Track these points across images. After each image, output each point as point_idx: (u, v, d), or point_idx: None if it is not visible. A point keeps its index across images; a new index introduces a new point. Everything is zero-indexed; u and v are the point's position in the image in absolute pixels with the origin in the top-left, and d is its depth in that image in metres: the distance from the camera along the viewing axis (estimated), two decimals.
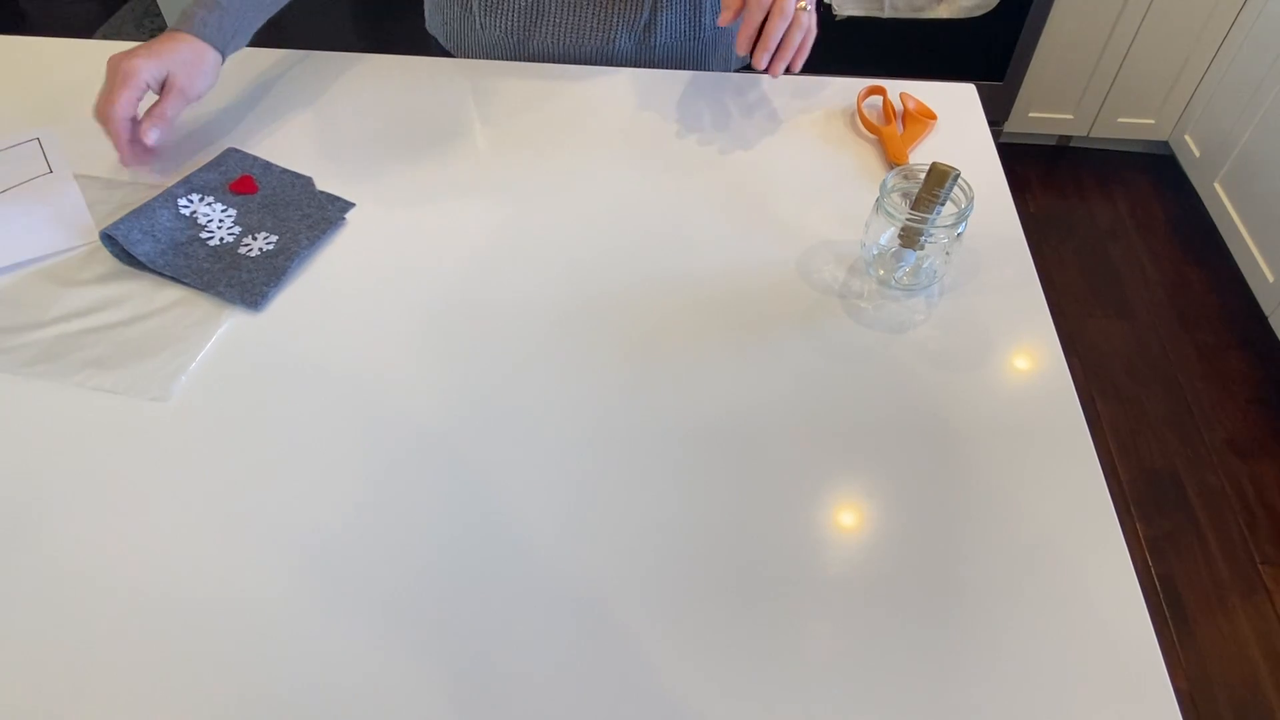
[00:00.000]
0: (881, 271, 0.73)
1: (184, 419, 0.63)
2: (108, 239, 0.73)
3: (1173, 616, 1.43)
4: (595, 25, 0.92)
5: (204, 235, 0.76)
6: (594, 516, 0.57)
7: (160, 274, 0.73)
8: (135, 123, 0.79)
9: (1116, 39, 1.97)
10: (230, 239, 0.76)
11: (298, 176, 0.82)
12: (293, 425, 0.62)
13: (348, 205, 0.80)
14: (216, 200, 0.79)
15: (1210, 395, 1.75)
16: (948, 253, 0.69)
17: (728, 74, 0.95)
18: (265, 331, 0.69)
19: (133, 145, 0.78)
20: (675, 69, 0.99)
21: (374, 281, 0.73)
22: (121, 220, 0.74)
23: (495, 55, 0.97)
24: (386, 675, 0.50)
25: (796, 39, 0.78)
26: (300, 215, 0.78)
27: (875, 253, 0.72)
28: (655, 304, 0.71)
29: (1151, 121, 2.15)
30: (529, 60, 0.96)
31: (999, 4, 1.86)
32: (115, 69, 0.76)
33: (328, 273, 0.74)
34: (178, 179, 0.81)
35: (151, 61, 0.76)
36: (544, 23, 0.92)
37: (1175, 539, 1.53)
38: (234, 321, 0.69)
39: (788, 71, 0.80)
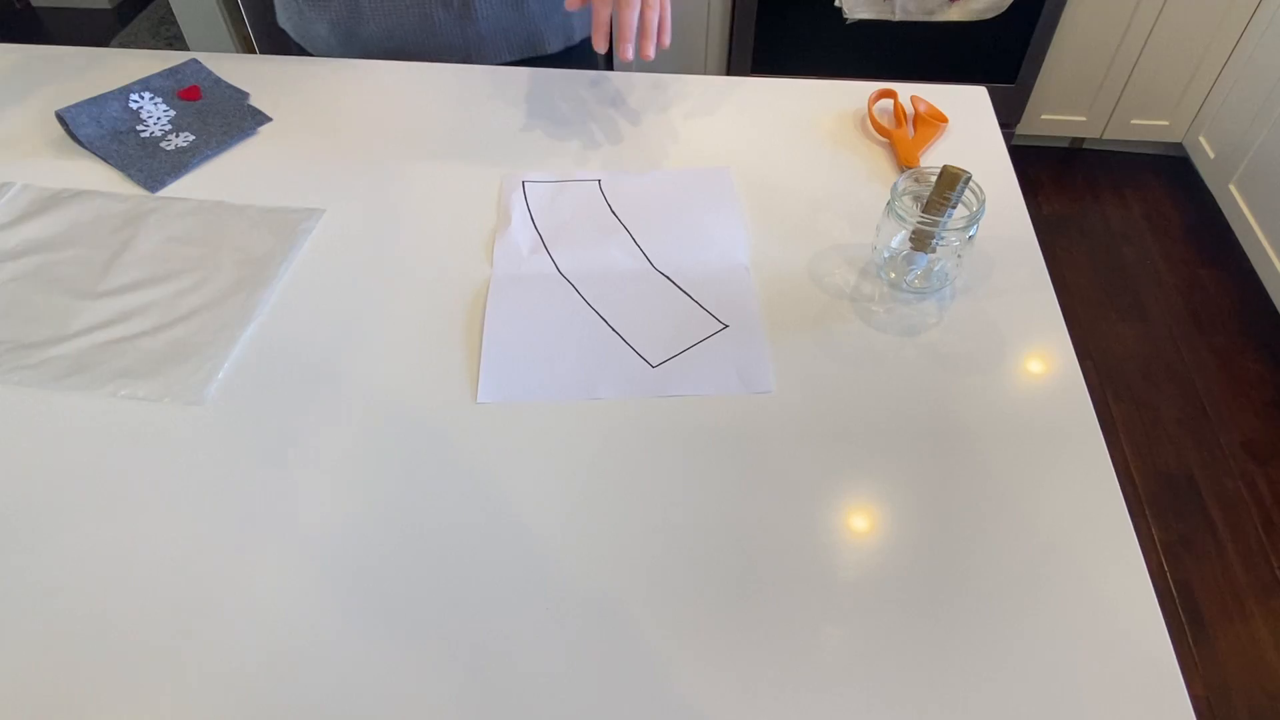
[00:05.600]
0: (893, 275, 0.73)
1: (217, 423, 0.63)
2: (61, 120, 0.86)
3: (1189, 622, 1.42)
4: (411, 3, 0.92)
5: (139, 128, 0.88)
6: (601, 520, 0.57)
7: (91, 153, 0.85)
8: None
9: (1130, 40, 1.96)
10: (159, 134, 0.87)
11: (237, 91, 0.93)
12: (314, 427, 0.63)
13: (265, 119, 0.90)
14: (163, 101, 0.91)
15: (1226, 398, 1.74)
16: (959, 255, 0.69)
17: (738, 79, 0.95)
18: (288, 334, 0.69)
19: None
20: (507, 50, 0.99)
21: (393, 283, 0.73)
22: (76, 104, 0.87)
23: (332, 43, 0.99)
24: (401, 674, 0.51)
25: (653, 19, 0.74)
26: (221, 122, 0.89)
27: (886, 256, 0.72)
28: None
29: (1166, 123, 2.13)
30: (361, 48, 0.98)
31: (1011, 6, 1.86)
32: None
33: (346, 273, 0.74)
34: None
35: None
36: (362, 9, 0.93)
37: (1191, 543, 1.51)
38: (258, 325, 0.70)
39: (656, 47, 0.75)
